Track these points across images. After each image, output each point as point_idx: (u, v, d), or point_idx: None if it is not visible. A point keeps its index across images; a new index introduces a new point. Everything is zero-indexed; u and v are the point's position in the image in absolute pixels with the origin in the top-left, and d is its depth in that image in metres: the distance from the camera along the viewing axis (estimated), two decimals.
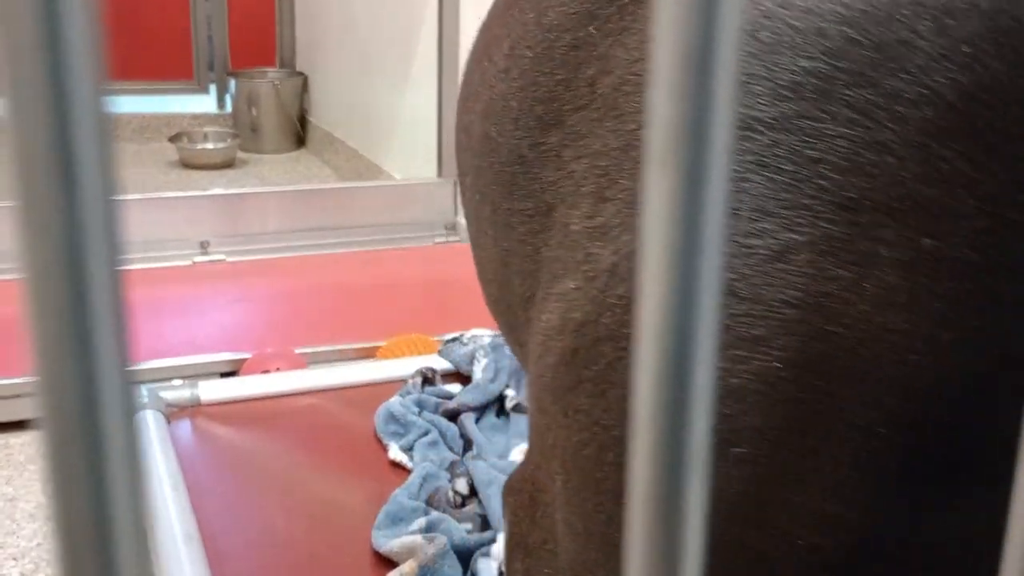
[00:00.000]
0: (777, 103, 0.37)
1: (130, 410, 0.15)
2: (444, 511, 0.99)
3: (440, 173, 2.07)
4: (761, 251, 0.37)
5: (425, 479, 1.04)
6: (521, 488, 0.55)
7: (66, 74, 0.13)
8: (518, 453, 1.10)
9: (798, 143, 0.37)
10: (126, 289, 0.14)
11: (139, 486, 0.15)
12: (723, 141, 0.17)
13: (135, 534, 0.15)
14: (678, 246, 0.17)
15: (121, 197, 0.14)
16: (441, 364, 1.31)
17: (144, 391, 1.20)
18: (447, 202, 2.05)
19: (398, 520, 0.97)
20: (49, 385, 0.15)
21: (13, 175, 0.14)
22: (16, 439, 1.39)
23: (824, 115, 0.36)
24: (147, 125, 3.02)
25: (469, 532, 0.95)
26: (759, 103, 0.38)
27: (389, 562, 0.93)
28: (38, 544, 1.18)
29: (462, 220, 2.05)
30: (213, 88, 3.16)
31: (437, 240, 2.01)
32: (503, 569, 0.77)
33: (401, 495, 1.01)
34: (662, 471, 0.17)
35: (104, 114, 0.14)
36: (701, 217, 0.18)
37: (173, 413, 1.21)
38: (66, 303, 0.14)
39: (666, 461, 0.17)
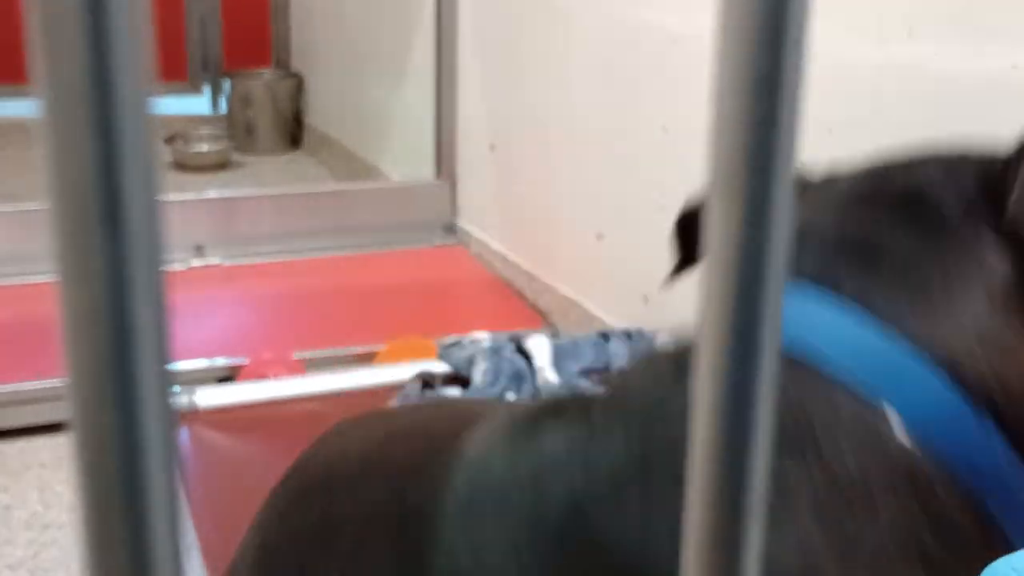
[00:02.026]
0: None
1: (170, 420, 0.14)
2: None
3: (438, 174, 2.05)
4: None
5: None
6: None
7: (109, 75, 0.13)
8: None
9: None
10: (166, 292, 0.14)
11: (176, 499, 0.15)
12: (787, 170, 0.17)
13: (172, 556, 0.15)
14: (741, 274, 0.16)
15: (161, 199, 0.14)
16: (440, 368, 1.30)
17: None
18: (445, 203, 2.04)
19: None
20: (85, 392, 0.14)
21: (51, 176, 0.13)
22: (11, 447, 1.37)
23: None
24: None
25: None
26: None
27: None
28: (35, 554, 1.17)
29: (460, 222, 2.04)
30: (207, 89, 3.14)
31: (435, 242, 2.00)
32: None
33: None
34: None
35: (147, 115, 0.13)
36: (766, 246, 0.17)
37: None
38: (106, 311, 0.14)
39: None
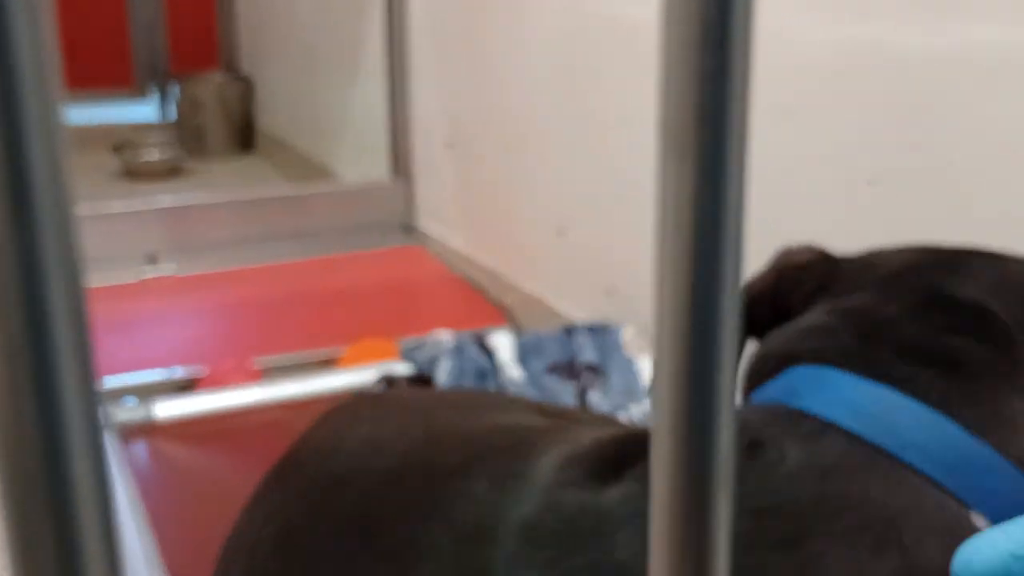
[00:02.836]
0: None
1: (96, 439, 0.13)
2: None
3: (394, 174, 2.03)
4: None
5: None
6: None
7: (18, 87, 0.13)
8: None
9: None
10: (87, 309, 0.13)
11: (110, 517, 0.14)
12: (740, 125, 0.17)
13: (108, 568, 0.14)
14: (698, 235, 0.16)
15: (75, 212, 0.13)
16: (404, 368, 1.27)
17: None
18: (402, 203, 2.01)
19: None
20: (8, 414, 0.13)
21: None
22: None
23: None
24: (87, 136, 2.94)
25: None
26: None
27: None
28: None
29: (419, 222, 2.02)
30: (155, 95, 3.08)
31: (394, 243, 1.97)
32: None
33: None
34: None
35: (58, 127, 0.13)
36: (721, 205, 0.17)
37: (127, 434, 1.16)
38: (25, 328, 0.13)
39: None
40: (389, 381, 1.24)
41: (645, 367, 1.25)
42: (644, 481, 0.50)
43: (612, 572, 0.47)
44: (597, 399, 1.21)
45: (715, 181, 0.16)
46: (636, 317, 1.38)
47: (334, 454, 0.63)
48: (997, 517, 0.45)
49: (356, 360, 1.42)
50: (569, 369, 1.28)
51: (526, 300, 1.64)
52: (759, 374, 0.56)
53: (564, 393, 1.23)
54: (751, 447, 0.49)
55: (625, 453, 0.53)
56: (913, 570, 0.43)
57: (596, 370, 1.26)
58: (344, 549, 0.56)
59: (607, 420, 0.70)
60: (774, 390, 0.54)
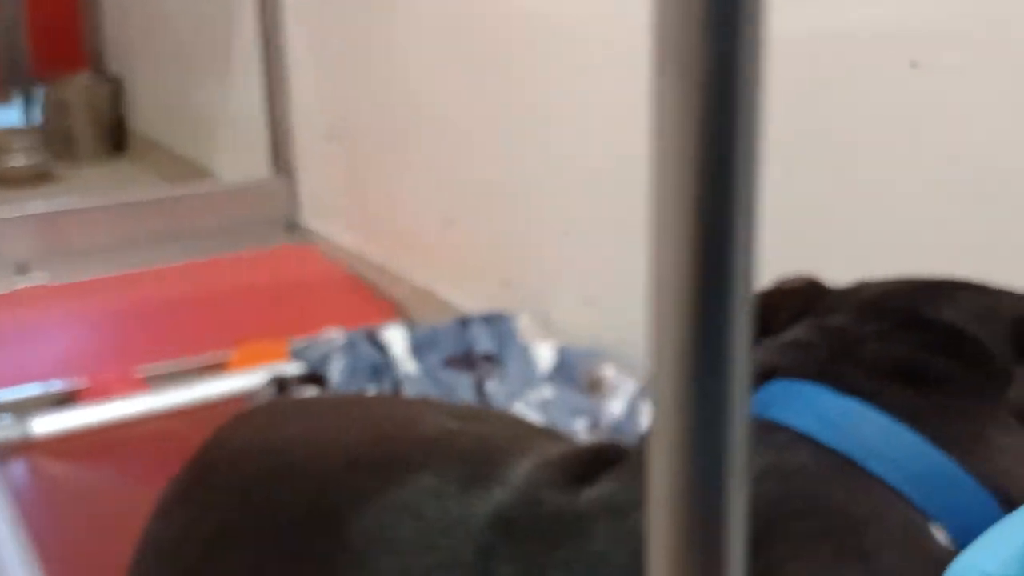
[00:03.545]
0: None
1: None
2: None
3: (275, 171, 1.98)
4: None
5: None
6: None
7: None
8: None
9: None
10: None
11: None
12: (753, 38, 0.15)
13: None
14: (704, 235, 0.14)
15: None
16: (295, 369, 1.24)
17: None
18: (285, 200, 1.97)
19: None
20: None
21: None
22: None
23: None
24: None
25: None
26: None
27: None
28: None
29: (304, 219, 1.97)
30: (18, 99, 2.95)
31: (278, 241, 1.92)
32: None
33: None
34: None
35: None
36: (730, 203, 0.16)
37: (3, 452, 1.10)
38: None
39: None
40: (280, 383, 1.20)
41: (541, 354, 1.25)
42: (619, 482, 0.51)
43: (590, 565, 0.47)
44: (495, 388, 1.20)
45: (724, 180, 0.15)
46: (532, 307, 1.37)
47: (265, 452, 0.61)
48: (958, 530, 0.46)
49: (245, 363, 1.38)
50: (465, 360, 1.26)
51: (418, 294, 1.62)
52: None
53: (461, 385, 1.22)
54: None
55: (599, 459, 0.54)
56: (870, 570, 0.44)
57: (493, 359, 1.25)
58: (297, 543, 0.55)
59: (519, 422, 0.69)
60: (753, 402, 0.55)
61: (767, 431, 0.50)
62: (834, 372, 0.52)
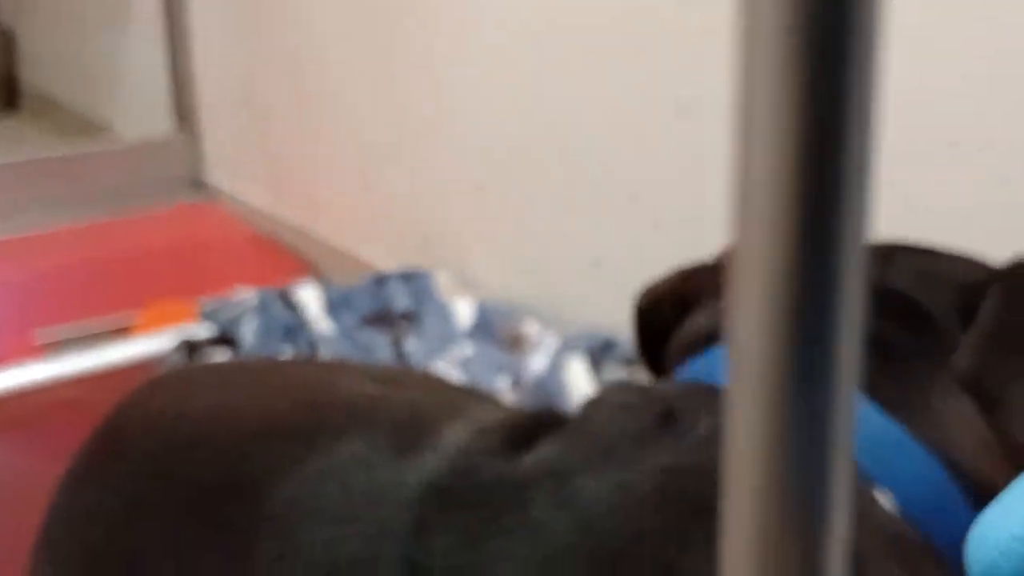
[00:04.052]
0: None
1: None
2: None
3: (178, 127, 1.91)
4: None
5: None
6: None
7: None
8: None
9: None
10: None
11: None
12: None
13: None
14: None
15: None
16: (204, 331, 1.20)
17: None
18: (190, 158, 1.90)
19: None
20: None
21: None
22: None
23: None
24: None
25: None
26: None
27: None
28: None
29: (210, 176, 1.91)
30: None
31: (183, 200, 1.86)
32: None
33: None
34: None
35: None
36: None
37: None
38: None
39: None
40: (190, 346, 1.16)
41: (460, 311, 1.22)
42: (560, 447, 0.49)
43: (531, 533, 0.46)
44: (413, 347, 1.17)
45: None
46: (450, 263, 1.35)
47: (179, 420, 0.58)
48: (903, 496, 0.45)
49: (152, 326, 1.33)
50: (383, 319, 1.23)
51: (333, 253, 1.58)
52: (686, 352, 0.56)
53: (379, 345, 1.19)
54: (664, 416, 0.49)
55: (537, 425, 0.52)
56: None
57: (411, 318, 1.22)
58: (213, 515, 0.52)
59: (445, 385, 0.67)
60: (697, 368, 0.54)
61: (711, 395, 0.49)
62: None
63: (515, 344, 1.17)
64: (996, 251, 0.57)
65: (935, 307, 0.52)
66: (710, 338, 0.55)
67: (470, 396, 0.64)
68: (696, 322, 0.57)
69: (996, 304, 0.51)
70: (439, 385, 0.67)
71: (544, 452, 0.49)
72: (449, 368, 1.12)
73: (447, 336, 1.19)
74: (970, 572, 0.20)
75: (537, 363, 1.11)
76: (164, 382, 0.65)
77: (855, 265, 0.15)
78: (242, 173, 1.82)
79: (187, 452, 0.56)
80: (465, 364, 1.13)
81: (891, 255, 0.56)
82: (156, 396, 0.62)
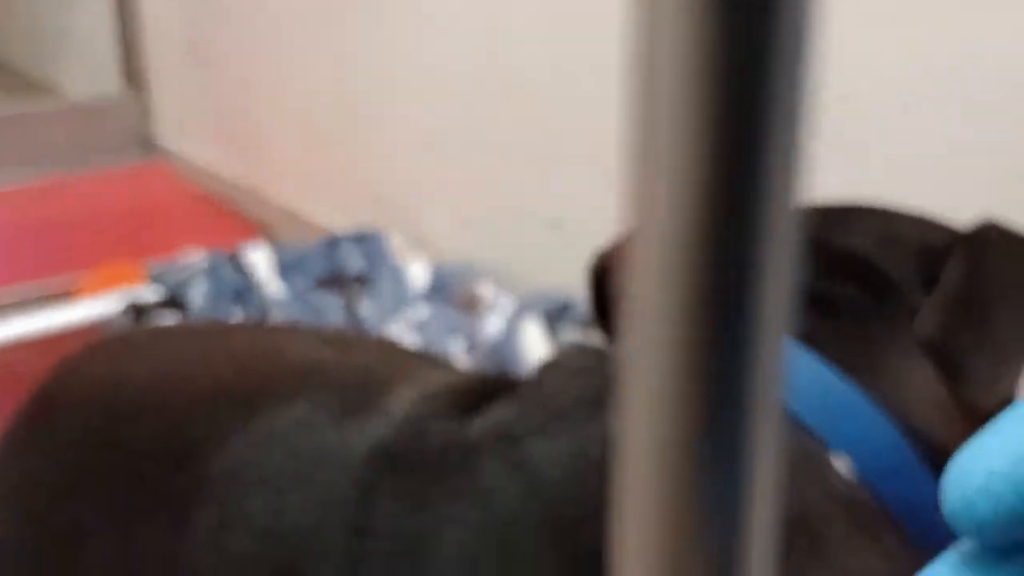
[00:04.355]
0: None
1: None
2: None
3: (126, 86, 1.86)
4: None
5: None
6: None
7: None
8: None
9: None
10: None
11: None
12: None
13: None
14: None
15: None
16: (152, 294, 1.17)
17: None
18: (138, 117, 1.86)
19: None
20: None
21: None
22: None
23: None
24: None
25: None
26: None
27: None
28: None
29: (159, 136, 1.86)
30: None
31: (132, 161, 1.82)
32: None
33: None
34: None
35: None
36: None
37: None
38: None
39: None
40: (137, 309, 1.13)
41: (414, 273, 1.20)
42: (512, 410, 0.48)
43: (482, 497, 0.45)
44: (367, 310, 1.15)
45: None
46: (403, 225, 1.32)
47: (119, 387, 0.57)
48: (860, 460, 0.44)
49: (97, 289, 1.30)
50: (335, 282, 1.21)
51: (284, 214, 1.55)
52: None
53: (332, 307, 1.16)
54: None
55: (487, 389, 0.52)
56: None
57: (364, 280, 1.20)
58: (155, 481, 0.51)
59: (396, 349, 0.65)
60: None
61: None
62: None
63: (470, 306, 1.15)
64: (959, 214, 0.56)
65: (895, 270, 0.51)
66: None
67: (422, 360, 0.62)
68: None
69: (959, 268, 0.50)
70: (390, 349, 0.65)
71: (496, 416, 0.48)
72: (403, 331, 1.10)
73: (401, 298, 1.17)
74: (947, 513, 0.19)
75: (493, 325, 1.09)
76: (104, 347, 0.63)
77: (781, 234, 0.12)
78: (191, 133, 1.78)
79: (127, 419, 0.54)
80: (420, 327, 1.12)
81: (848, 216, 0.55)
82: (96, 361, 0.60)
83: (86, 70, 2.07)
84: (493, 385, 0.52)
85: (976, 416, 0.47)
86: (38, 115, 1.87)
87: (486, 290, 1.15)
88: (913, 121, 0.82)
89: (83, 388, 0.58)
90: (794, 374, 0.46)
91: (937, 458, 0.46)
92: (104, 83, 1.93)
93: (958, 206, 0.57)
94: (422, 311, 1.14)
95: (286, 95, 1.52)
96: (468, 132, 1.22)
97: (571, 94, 1.08)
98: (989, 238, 0.52)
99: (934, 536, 0.45)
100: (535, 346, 1.03)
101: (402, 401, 0.51)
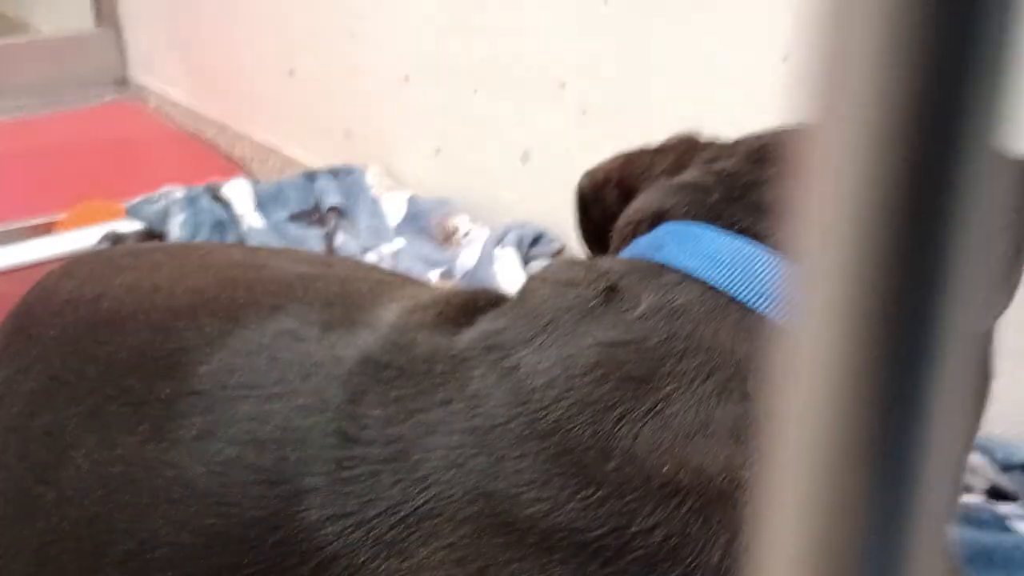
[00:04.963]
0: None
1: None
2: None
3: (98, 22, 1.84)
4: None
5: None
6: None
7: None
8: None
9: None
10: None
11: None
12: None
13: None
14: None
15: None
16: (130, 226, 1.18)
17: None
18: (112, 55, 1.84)
19: None
20: None
21: None
22: None
23: None
24: None
25: None
26: None
27: None
28: None
29: (133, 74, 1.85)
30: None
31: (107, 98, 1.81)
32: None
33: None
34: None
35: None
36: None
37: None
38: None
39: None
40: (116, 241, 1.14)
41: (392, 206, 1.22)
42: (500, 321, 0.48)
43: (470, 405, 0.45)
44: (346, 242, 1.17)
45: None
46: (379, 159, 1.33)
47: (99, 298, 0.56)
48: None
49: (76, 224, 1.30)
50: (314, 215, 1.22)
51: (260, 150, 1.55)
52: (633, 231, 0.55)
53: (310, 239, 1.18)
54: (607, 292, 0.48)
55: (474, 302, 0.51)
56: (754, 417, 0.43)
57: (341, 213, 1.21)
58: (136, 389, 0.51)
59: (378, 269, 0.66)
60: (642, 245, 0.53)
61: (655, 273, 0.49)
62: (726, 214, 0.52)
63: (446, 238, 1.17)
64: None
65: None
66: (658, 216, 0.54)
67: (405, 279, 0.63)
68: (646, 199, 0.57)
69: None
70: (372, 269, 0.66)
71: (484, 326, 0.49)
72: (380, 262, 1.12)
73: (378, 231, 1.18)
74: None
75: (467, 257, 1.11)
76: (82, 263, 0.63)
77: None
78: (165, 69, 1.77)
79: (107, 329, 0.54)
80: (395, 258, 1.13)
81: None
82: (75, 276, 0.60)
83: (58, 8, 2.05)
84: (481, 298, 0.53)
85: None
86: (9, 51, 1.85)
87: (461, 222, 1.17)
88: None
89: (62, 301, 0.58)
90: (780, 286, 0.48)
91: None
92: (76, 21, 1.91)
93: None
94: (399, 243, 1.16)
95: (260, 32, 1.52)
96: (439, 64, 1.23)
97: (539, 24, 1.09)
98: None
99: None
100: (509, 276, 1.05)
101: (388, 313, 0.51)
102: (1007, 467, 0.77)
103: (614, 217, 0.59)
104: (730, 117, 0.85)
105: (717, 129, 0.63)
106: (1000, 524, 0.73)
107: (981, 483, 0.76)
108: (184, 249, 0.66)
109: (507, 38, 1.13)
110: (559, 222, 1.08)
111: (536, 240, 1.09)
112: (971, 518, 0.72)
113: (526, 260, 1.07)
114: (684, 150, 0.61)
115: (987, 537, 0.71)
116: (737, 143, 0.59)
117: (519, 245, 1.08)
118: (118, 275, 0.59)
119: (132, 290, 0.57)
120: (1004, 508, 0.74)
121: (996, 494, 0.76)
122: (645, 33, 0.97)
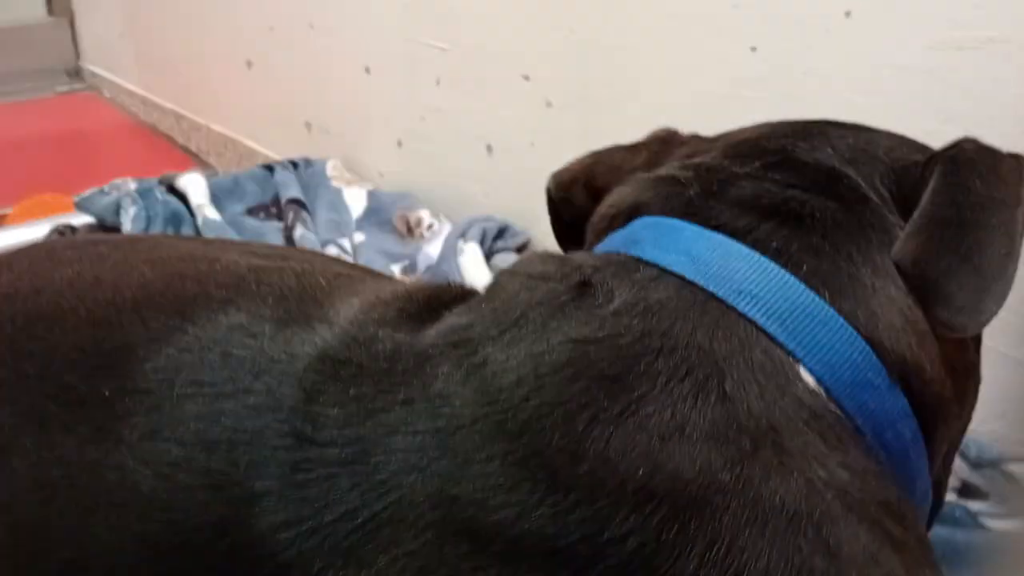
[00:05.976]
0: None
1: None
2: None
3: (49, 11, 1.80)
4: None
5: None
6: None
7: None
8: None
9: None
10: None
11: None
12: None
13: None
14: None
15: None
16: (81, 219, 1.14)
17: None
18: (64, 45, 1.80)
19: None
20: None
21: None
22: None
23: None
24: None
25: None
26: None
27: None
28: None
29: (87, 63, 1.81)
30: None
31: (59, 89, 1.77)
32: None
33: None
34: None
35: None
36: None
37: None
38: None
39: None
40: (63, 234, 1.10)
41: (353, 199, 1.19)
42: (468, 317, 0.46)
43: (433, 405, 0.43)
44: (305, 236, 1.14)
45: None
46: (340, 152, 1.31)
47: (38, 293, 0.54)
48: (826, 371, 0.44)
49: (25, 218, 1.27)
50: (272, 208, 1.19)
51: (217, 141, 1.52)
52: (607, 226, 0.53)
53: (269, 233, 1.15)
54: (580, 287, 0.46)
55: (439, 297, 0.49)
56: (732, 419, 0.41)
57: (301, 206, 1.18)
58: (77, 388, 0.48)
59: (337, 260, 0.64)
60: (618, 240, 0.51)
61: (631, 267, 0.47)
62: (704, 209, 0.50)
63: (408, 232, 1.15)
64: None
65: (866, 183, 0.51)
66: (633, 210, 0.52)
67: (364, 270, 0.61)
68: (621, 193, 0.55)
69: (940, 189, 0.50)
70: (331, 261, 0.63)
71: (450, 321, 0.47)
72: (340, 256, 1.09)
73: (338, 224, 1.16)
74: None
75: (430, 250, 1.09)
76: (21, 255, 0.60)
77: None
78: (120, 60, 1.74)
79: (46, 324, 0.52)
80: (357, 252, 1.11)
81: (818, 132, 0.54)
82: (12, 269, 0.58)
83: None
84: (447, 293, 0.51)
85: (953, 341, 0.48)
86: None
87: (423, 215, 1.15)
88: None
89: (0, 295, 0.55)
90: (763, 285, 0.46)
91: (907, 376, 0.46)
92: (27, 10, 1.87)
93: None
94: (360, 236, 1.13)
95: (218, 21, 1.49)
96: (401, 54, 1.20)
97: (504, 13, 1.07)
98: (968, 157, 0.51)
99: (898, 450, 0.45)
100: (473, 270, 1.03)
101: (348, 308, 0.49)
102: (978, 464, 0.77)
103: (586, 217, 0.58)
104: (695, 108, 0.83)
105: (681, 119, 0.61)
106: (972, 521, 0.73)
107: (953, 481, 0.75)
108: (130, 241, 0.63)
109: (470, 28, 1.10)
110: (524, 214, 1.06)
111: (500, 233, 1.07)
112: (944, 516, 0.72)
113: (490, 254, 1.05)
114: (659, 148, 0.59)
115: (959, 534, 0.71)
116: (717, 138, 0.57)
117: (483, 239, 1.06)
118: (59, 268, 0.56)
119: (73, 283, 0.54)
120: (976, 505, 0.74)
121: (968, 491, 0.75)
122: (609, 24, 0.95)
